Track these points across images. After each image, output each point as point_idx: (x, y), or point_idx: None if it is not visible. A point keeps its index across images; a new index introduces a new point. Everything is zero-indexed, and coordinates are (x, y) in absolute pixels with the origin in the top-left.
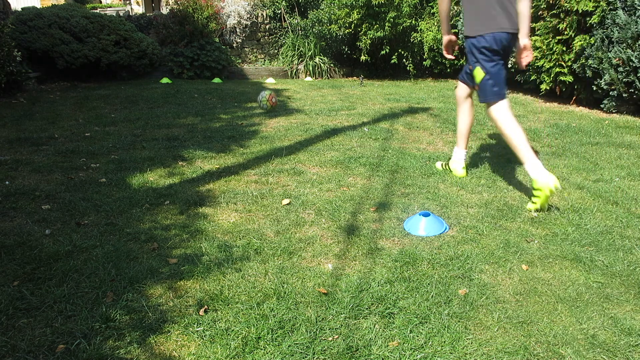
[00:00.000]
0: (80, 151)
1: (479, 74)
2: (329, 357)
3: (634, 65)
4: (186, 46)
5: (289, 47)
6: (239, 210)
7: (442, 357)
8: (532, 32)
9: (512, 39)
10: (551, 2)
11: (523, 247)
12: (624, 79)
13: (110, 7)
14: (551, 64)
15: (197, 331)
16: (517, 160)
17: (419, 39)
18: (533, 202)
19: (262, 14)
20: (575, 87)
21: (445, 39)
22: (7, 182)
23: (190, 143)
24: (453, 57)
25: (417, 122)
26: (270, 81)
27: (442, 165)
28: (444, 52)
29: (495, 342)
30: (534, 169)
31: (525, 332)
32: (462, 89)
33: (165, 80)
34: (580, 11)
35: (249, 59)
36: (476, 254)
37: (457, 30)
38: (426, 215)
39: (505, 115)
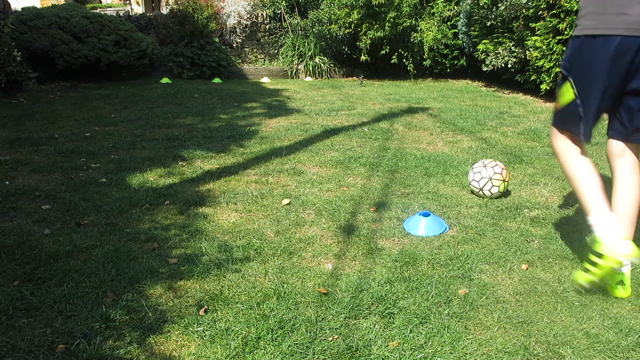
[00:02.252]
0: (80, 151)
1: (564, 92)
2: (329, 357)
3: None
4: (186, 46)
5: (289, 47)
6: (239, 210)
7: (442, 357)
8: (532, 32)
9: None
10: (551, 2)
11: (523, 247)
12: None
13: (110, 7)
14: (551, 64)
15: (197, 331)
16: (517, 160)
17: (419, 39)
18: (585, 272)
19: (262, 14)
20: None
21: None
22: (7, 182)
23: (190, 143)
24: None
25: (417, 122)
26: (265, 80)
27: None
28: None
29: (495, 342)
30: (597, 222)
31: (525, 332)
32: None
33: (165, 80)
34: None
35: (249, 59)
36: (476, 254)
37: (457, 30)
38: (426, 215)
39: (566, 147)
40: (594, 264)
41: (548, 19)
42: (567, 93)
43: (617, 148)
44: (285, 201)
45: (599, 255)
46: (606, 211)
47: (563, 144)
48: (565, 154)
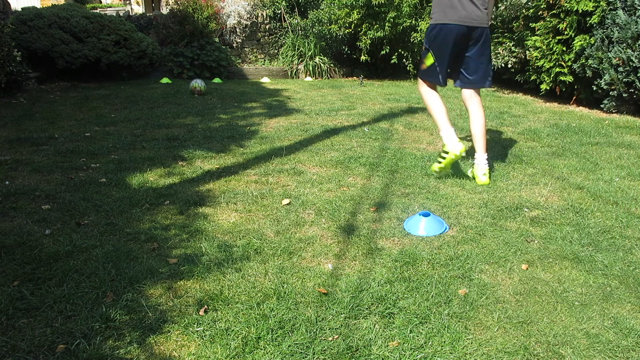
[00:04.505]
0: (80, 151)
1: (427, 61)
2: (329, 357)
3: (634, 65)
4: (186, 46)
5: (289, 47)
6: (239, 210)
7: (442, 357)
8: (532, 32)
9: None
10: (551, 2)
11: (523, 247)
12: (624, 79)
13: (110, 7)
14: (551, 64)
15: (197, 331)
16: (517, 160)
17: (419, 39)
18: (438, 162)
19: (262, 14)
20: (575, 87)
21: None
22: (7, 182)
23: (190, 143)
24: None
25: (417, 122)
26: (265, 80)
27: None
28: None
29: (495, 342)
30: (446, 135)
31: (525, 332)
32: (466, 92)
33: (165, 80)
34: (580, 11)
35: (249, 59)
36: (476, 254)
37: None
38: (426, 215)
39: (428, 91)
40: (442, 157)
41: (548, 19)
42: (429, 59)
43: (466, 93)
44: (285, 201)
45: (446, 152)
46: (449, 126)
47: (425, 89)
48: (427, 95)
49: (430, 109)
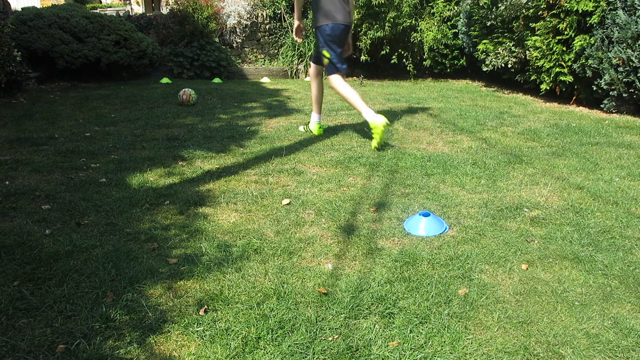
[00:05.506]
0: (80, 151)
1: (326, 54)
2: (329, 357)
3: (634, 65)
4: (186, 46)
5: (289, 47)
6: (239, 210)
7: (442, 357)
8: (532, 32)
9: (345, 29)
10: (551, 2)
11: (523, 247)
12: (624, 79)
13: (110, 7)
14: (551, 64)
15: (197, 331)
16: (517, 160)
17: (419, 39)
18: (374, 139)
19: (262, 14)
20: (575, 87)
21: (296, 24)
22: (7, 182)
23: (190, 143)
24: (300, 41)
25: (417, 122)
26: (265, 80)
27: (304, 128)
28: (294, 36)
29: (495, 342)
30: (367, 115)
31: (525, 332)
32: (314, 68)
33: (165, 80)
34: (580, 11)
35: (249, 59)
36: (476, 254)
37: (457, 30)
38: (426, 215)
39: (341, 83)
40: (374, 133)
41: (548, 19)
42: (326, 53)
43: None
44: (285, 201)
45: (372, 127)
46: (366, 106)
47: (338, 83)
48: (341, 87)
49: (348, 97)
